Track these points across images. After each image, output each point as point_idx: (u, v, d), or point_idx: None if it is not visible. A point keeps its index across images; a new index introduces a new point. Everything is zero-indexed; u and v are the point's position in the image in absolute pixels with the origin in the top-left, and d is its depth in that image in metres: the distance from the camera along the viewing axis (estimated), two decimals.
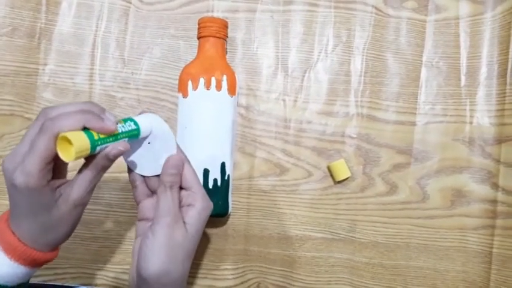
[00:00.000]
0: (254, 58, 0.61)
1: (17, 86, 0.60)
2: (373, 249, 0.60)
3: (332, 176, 0.60)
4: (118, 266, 0.60)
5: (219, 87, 0.53)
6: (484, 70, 0.61)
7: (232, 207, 0.60)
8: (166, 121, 0.59)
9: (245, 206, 0.60)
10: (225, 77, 0.54)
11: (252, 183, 0.60)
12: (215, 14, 0.61)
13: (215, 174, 0.54)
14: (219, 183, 0.54)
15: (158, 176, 0.43)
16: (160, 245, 0.39)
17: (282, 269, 0.60)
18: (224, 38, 0.55)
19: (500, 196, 0.60)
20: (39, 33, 0.60)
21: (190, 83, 0.53)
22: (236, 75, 0.56)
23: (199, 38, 0.55)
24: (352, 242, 0.60)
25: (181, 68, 0.55)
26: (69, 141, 0.34)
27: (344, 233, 0.60)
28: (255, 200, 0.60)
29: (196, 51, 0.56)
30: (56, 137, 0.35)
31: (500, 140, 0.60)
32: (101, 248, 0.60)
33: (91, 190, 0.39)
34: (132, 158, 0.43)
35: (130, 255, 0.59)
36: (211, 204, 0.43)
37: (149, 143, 0.42)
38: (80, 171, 0.39)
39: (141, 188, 0.44)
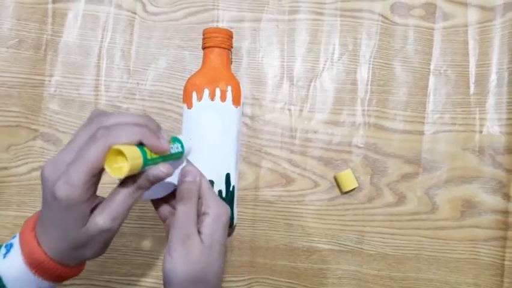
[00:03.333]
0: (259, 67, 0.61)
1: (23, 98, 0.60)
2: (381, 261, 0.59)
3: (338, 186, 0.59)
4: (124, 278, 0.59)
5: (223, 98, 0.53)
6: (493, 78, 0.60)
7: (238, 218, 0.59)
8: (171, 132, 0.59)
9: (251, 217, 0.59)
10: (229, 88, 0.53)
11: (257, 193, 0.59)
12: (220, 24, 0.61)
13: (220, 185, 0.53)
14: (223, 194, 0.53)
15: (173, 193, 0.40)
16: (177, 264, 0.37)
17: (289, 281, 0.59)
18: (229, 48, 0.55)
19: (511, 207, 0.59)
20: (46, 45, 0.61)
21: (194, 94, 0.53)
22: (241, 85, 0.55)
23: (203, 48, 0.55)
24: (360, 253, 0.59)
25: (186, 79, 0.55)
26: (121, 155, 0.31)
27: (352, 245, 0.59)
28: (261, 210, 0.59)
29: (201, 62, 0.56)
30: (109, 149, 0.32)
31: (511, 149, 0.59)
32: (108, 259, 0.59)
33: (122, 215, 0.35)
34: None
35: (136, 266, 0.59)
36: (227, 209, 0.40)
37: None
38: (114, 193, 0.35)
39: (163, 206, 0.42)
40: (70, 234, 0.35)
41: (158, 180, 0.35)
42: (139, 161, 0.32)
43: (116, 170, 0.32)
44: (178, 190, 0.39)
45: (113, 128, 0.32)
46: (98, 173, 0.33)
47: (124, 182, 0.35)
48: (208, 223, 0.39)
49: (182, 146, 0.39)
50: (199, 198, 0.40)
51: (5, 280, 0.35)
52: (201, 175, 0.40)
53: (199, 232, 0.39)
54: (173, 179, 0.39)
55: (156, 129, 0.35)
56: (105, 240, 0.36)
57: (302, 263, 0.59)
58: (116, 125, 0.33)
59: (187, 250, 0.37)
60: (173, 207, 0.41)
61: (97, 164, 0.32)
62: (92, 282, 0.59)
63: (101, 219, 0.34)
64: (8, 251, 0.36)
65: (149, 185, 0.35)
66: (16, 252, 0.36)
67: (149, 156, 0.33)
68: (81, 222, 0.34)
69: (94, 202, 0.35)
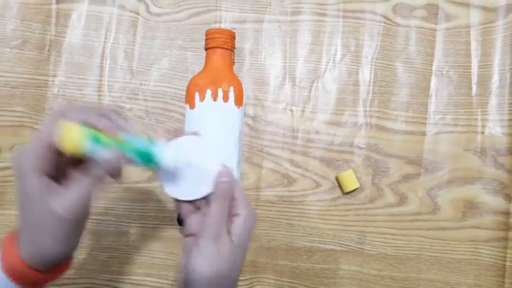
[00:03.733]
0: (262, 68, 0.61)
1: (26, 98, 0.61)
2: (382, 261, 0.59)
3: (340, 186, 0.59)
4: (126, 277, 0.60)
5: (225, 98, 0.53)
6: (495, 79, 0.60)
7: None
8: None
9: None
10: (232, 89, 0.53)
11: (259, 194, 0.60)
12: (223, 25, 0.61)
13: None
14: None
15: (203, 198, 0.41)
16: (208, 261, 0.37)
17: (290, 280, 0.59)
18: (231, 49, 0.55)
19: None
20: (49, 45, 0.61)
21: (197, 94, 0.53)
22: (243, 86, 0.55)
23: (206, 49, 0.55)
24: (361, 253, 0.59)
25: (189, 79, 0.55)
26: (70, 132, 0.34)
27: (353, 245, 0.59)
28: (263, 211, 0.60)
29: (204, 62, 0.56)
30: (57, 122, 0.34)
31: None
32: (110, 258, 0.60)
33: (82, 203, 0.35)
34: (172, 185, 0.41)
35: (138, 266, 0.59)
36: (256, 214, 0.41)
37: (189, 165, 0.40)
38: (70, 183, 0.36)
39: (186, 204, 0.42)
40: (30, 219, 0.35)
41: (106, 163, 0.35)
42: (80, 134, 0.34)
43: (67, 146, 0.34)
44: (215, 190, 0.39)
45: (67, 110, 0.35)
46: (48, 146, 0.35)
47: (81, 171, 0.36)
48: (239, 224, 0.39)
49: (147, 147, 0.37)
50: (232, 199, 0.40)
51: None
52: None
53: (227, 232, 0.39)
54: (206, 188, 0.40)
55: (112, 116, 0.36)
56: (65, 232, 0.36)
57: (304, 263, 0.59)
58: (72, 109, 0.35)
59: (219, 248, 0.38)
60: (197, 208, 0.42)
61: (45, 136, 0.34)
62: (93, 281, 0.60)
63: (54, 204, 0.34)
64: None
65: (100, 170, 0.35)
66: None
67: (97, 137, 0.34)
68: (37, 203, 0.35)
69: (49, 184, 0.35)
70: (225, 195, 0.39)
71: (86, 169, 0.36)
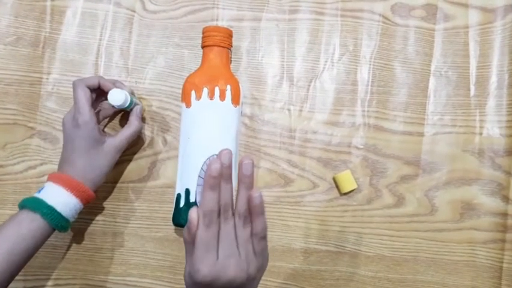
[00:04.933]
0: (259, 67, 0.60)
1: (20, 95, 0.60)
2: (379, 262, 0.59)
3: (337, 187, 0.59)
4: (120, 278, 0.59)
5: (222, 97, 0.53)
6: (494, 80, 0.60)
7: None
8: (169, 131, 0.59)
9: None
10: (228, 87, 0.53)
11: None
12: (220, 23, 0.60)
13: None
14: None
15: None
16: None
17: (286, 282, 0.59)
18: (228, 47, 0.55)
19: (511, 209, 0.58)
20: (44, 42, 0.60)
21: (193, 92, 0.53)
22: (240, 85, 0.55)
23: (203, 47, 0.55)
24: (358, 255, 0.59)
25: (185, 77, 0.55)
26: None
27: (350, 246, 0.59)
28: None
29: (201, 61, 0.55)
30: (85, 85, 0.52)
31: (510, 152, 0.59)
32: (104, 259, 0.59)
33: (127, 142, 0.54)
34: None
35: (132, 266, 0.58)
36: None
37: None
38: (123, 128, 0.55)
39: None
40: (92, 153, 0.51)
41: (138, 112, 0.56)
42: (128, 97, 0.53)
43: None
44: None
45: (83, 79, 0.53)
46: (91, 103, 0.52)
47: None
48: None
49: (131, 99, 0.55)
50: None
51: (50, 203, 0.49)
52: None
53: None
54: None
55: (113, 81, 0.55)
56: (112, 161, 0.53)
57: (300, 265, 0.59)
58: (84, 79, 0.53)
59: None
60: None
61: (87, 95, 0.51)
62: (87, 282, 0.59)
63: (116, 141, 0.53)
64: (41, 189, 0.50)
65: (138, 119, 0.56)
66: (50, 185, 0.50)
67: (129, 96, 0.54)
68: (98, 141, 0.52)
69: (101, 129, 0.54)
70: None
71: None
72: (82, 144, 0.51)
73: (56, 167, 0.59)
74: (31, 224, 0.47)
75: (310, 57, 0.60)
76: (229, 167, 0.39)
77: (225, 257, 0.39)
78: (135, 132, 0.55)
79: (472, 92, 0.60)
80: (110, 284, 0.59)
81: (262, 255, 0.41)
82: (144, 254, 0.59)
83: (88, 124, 0.50)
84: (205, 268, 0.38)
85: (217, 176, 0.38)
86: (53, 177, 0.51)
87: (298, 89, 0.60)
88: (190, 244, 0.39)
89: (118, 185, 0.59)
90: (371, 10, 0.60)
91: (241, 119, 0.58)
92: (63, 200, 0.49)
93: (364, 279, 0.59)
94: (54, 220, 0.48)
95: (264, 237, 0.40)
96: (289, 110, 0.60)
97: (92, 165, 0.52)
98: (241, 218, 0.39)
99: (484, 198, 0.59)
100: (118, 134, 0.54)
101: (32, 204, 0.48)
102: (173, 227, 0.59)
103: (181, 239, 0.59)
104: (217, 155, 0.39)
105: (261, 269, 0.41)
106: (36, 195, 0.49)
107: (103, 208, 0.59)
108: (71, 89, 0.59)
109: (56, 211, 0.48)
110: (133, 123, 0.55)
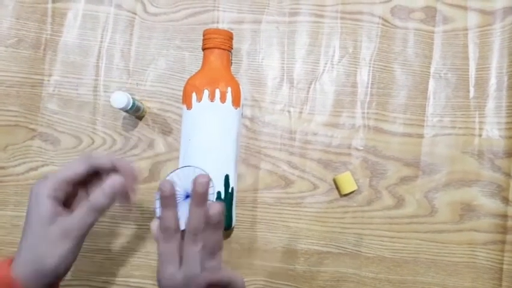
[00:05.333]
0: (259, 69, 0.61)
1: (21, 97, 0.60)
2: (380, 264, 0.59)
3: (337, 188, 0.59)
4: (121, 279, 0.59)
5: (223, 99, 0.53)
6: (493, 82, 0.60)
7: (236, 220, 0.59)
8: (170, 132, 0.59)
9: (249, 219, 0.59)
10: (229, 89, 0.53)
11: (256, 195, 0.59)
12: (220, 25, 0.61)
13: (219, 186, 0.53)
14: (222, 196, 0.53)
15: None
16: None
17: (287, 283, 0.59)
18: (229, 49, 0.55)
19: (510, 210, 0.58)
20: (45, 44, 0.60)
21: (194, 94, 0.53)
22: (241, 87, 0.55)
23: (203, 49, 0.55)
24: (358, 256, 0.59)
25: (186, 79, 0.55)
26: None
27: (350, 247, 0.59)
28: (260, 212, 0.59)
29: (201, 63, 0.55)
30: (87, 166, 0.43)
31: (510, 153, 0.59)
32: (105, 260, 0.59)
33: (81, 228, 0.41)
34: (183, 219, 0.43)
35: (134, 268, 0.59)
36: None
37: (187, 197, 0.43)
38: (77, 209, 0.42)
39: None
40: (34, 239, 0.40)
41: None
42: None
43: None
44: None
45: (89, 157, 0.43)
46: (66, 184, 0.41)
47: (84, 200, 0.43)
48: None
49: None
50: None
51: None
52: None
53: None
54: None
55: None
56: (64, 251, 0.41)
57: (300, 266, 0.59)
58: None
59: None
60: None
61: (68, 173, 0.41)
62: (89, 283, 0.59)
63: (59, 225, 0.40)
64: None
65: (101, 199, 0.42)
66: None
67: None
68: (45, 222, 0.40)
69: (58, 209, 0.41)
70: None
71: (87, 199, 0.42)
72: (29, 229, 0.41)
73: (57, 168, 0.59)
74: None
75: (310, 60, 0.61)
76: (201, 194, 0.40)
77: (186, 272, 0.41)
78: (86, 222, 0.41)
79: (472, 93, 0.60)
80: (112, 286, 0.59)
81: (211, 271, 0.41)
82: (146, 255, 0.59)
83: (40, 197, 0.40)
84: (163, 280, 0.42)
85: (169, 196, 0.41)
86: None
87: (298, 91, 0.60)
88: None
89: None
90: (371, 12, 0.61)
91: (241, 121, 0.59)
92: None
93: (365, 280, 0.59)
94: None
95: (212, 253, 0.41)
96: (289, 111, 0.60)
97: (37, 262, 0.40)
98: (191, 235, 0.41)
99: (483, 199, 0.59)
100: (67, 221, 0.41)
101: None
102: None
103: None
104: (194, 167, 0.42)
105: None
106: None
107: None
108: (73, 91, 0.60)
109: None
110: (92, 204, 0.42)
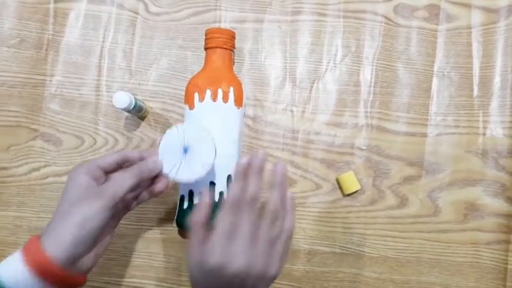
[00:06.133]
0: (262, 69, 0.60)
1: (23, 97, 0.60)
2: (383, 264, 0.59)
3: (340, 188, 0.59)
4: (124, 280, 0.59)
5: (225, 99, 0.53)
6: (497, 80, 0.60)
7: None
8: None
9: None
10: (231, 89, 0.53)
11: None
12: (222, 25, 0.60)
13: (221, 187, 0.53)
14: (225, 196, 0.53)
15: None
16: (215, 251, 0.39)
17: (290, 283, 0.59)
18: (231, 49, 0.55)
19: None
20: (47, 45, 0.60)
21: (196, 94, 0.53)
22: (243, 86, 0.55)
23: (206, 49, 0.55)
24: (361, 256, 0.59)
25: (188, 79, 0.55)
26: None
27: (353, 247, 0.59)
28: None
29: (203, 62, 0.55)
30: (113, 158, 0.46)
31: None
32: (107, 260, 0.59)
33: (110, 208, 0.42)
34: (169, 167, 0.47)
35: (136, 268, 0.58)
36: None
37: (185, 151, 0.47)
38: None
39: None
40: (65, 211, 0.41)
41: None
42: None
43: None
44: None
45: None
46: (100, 169, 0.44)
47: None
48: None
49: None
50: None
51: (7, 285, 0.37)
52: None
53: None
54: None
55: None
56: (90, 227, 0.40)
57: (304, 266, 0.59)
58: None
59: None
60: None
61: (102, 163, 0.44)
62: (92, 284, 0.59)
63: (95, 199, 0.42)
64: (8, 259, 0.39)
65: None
66: (16, 258, 0.38)
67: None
68: (85, 186, 0.42)
69: (93, 184, 0.43)
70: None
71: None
72: (62, 202, 0.42)
73: (59, 168, 0.59)
74: None
75: (313, 59, 0.60)
76: (261, 163, 0.41)
77: (243, 248, 0.38)
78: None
79: (475, 92, 0.60)
80: (114, 286, 0.59)
81: (282, 257, 0.41)
82: (148, 256, 0.59)
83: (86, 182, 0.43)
84: (217, 255, 0.38)
85: (247, 169, 0.40)
86: (28, 251, 0.39)
87: (300, 90, 0.60)
88: (199, 232, 0.40)
89: None
90: (374, 11, 0.60)
91: (244, 121, 0.58)
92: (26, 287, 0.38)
93: (368, 280, 0.59)
94: None
95: (288, 239, 0.41)
96: (292, 111, 0.60)
97: (62, 233, 0.40)
98: (270, 216, 0.40)
99: (487, 199, 0.59)
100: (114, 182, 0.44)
101: None
102: (176, 228, 0.59)
103: (185, 240, 0.59)
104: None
105: (275, 273, 0.41)
106: None
107: None
108: (74, 91, 0.60)
109: None
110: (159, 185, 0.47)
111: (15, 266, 0.38)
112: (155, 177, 0.47)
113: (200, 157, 0.47)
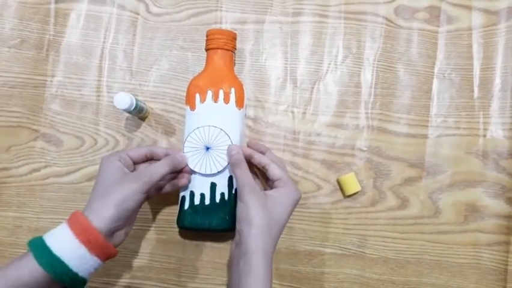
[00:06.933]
0: (262, 70, 0.60)
1: (24, 98, 0.60)
2: (383, 265, 0.59)
3: (341, 189, 0.59)
4: (123, 280, 0.59)
5: (226, 100, 0.53)
6: (497, 82, 0.60)
7: None
8: (173, 133, 0.59)
9: None
10: (233, 90, 0.53)
11: None
12: (223, 26, 0.61)
13: (222, 188, 0.53)
14: (226, 197, 0.53)
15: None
16: (251, 207, 0.47)
17: (291, 284, 0.59)
18: (232, 50, 0.55)
19: None
20: (48, 45, 0.60)
21: (197, 95, 0.53)
22: (244, 87, 0.55)
23: (207, 50, 0.55)
24: (362, 257, 0.59)
25: (189, 80, 0.55)
26: None
27: (354, 249, 0.59)
28: None
29: (204, 63, 0.55)
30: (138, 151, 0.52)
31: None
32: (108, 261, 0.59)
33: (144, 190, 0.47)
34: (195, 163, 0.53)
35: (136, 269, 0.58)
36: (299, 193, 0.51)
37: (207, 149, 0.53)
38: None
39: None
40: (104, 190, 0.46)
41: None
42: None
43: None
44: (230, 162, 0.52)
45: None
46: (129, 158, 0.50)
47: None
48: (282, 192, 0.50)
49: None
50: (277, 180, 0.50)
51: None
52: (250, 151, 0.53)
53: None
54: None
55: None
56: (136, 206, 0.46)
57: (304, 267, 0.59)
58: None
59: (256, 197, 0.47)
60: None
61: (131, 153, 0.50)
62: (92, 284, 0.59)
63: (127, 183, 0.46)
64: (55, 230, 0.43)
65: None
66: (65, 231, 0.42)
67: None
68: (120, 171, 0.47)
69: (124, 170, 0.49)
70: (239, 163, 0.50)
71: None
72: (100, 182, 0.47)
73: (60, 169, 0.59)
74: (34, 273, 0.40)
75: (314, 60, 0.60)
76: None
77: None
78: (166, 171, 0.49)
79: (476, 94, 0.60)
80: (113, 286, 0.59)
81: None
82: (149, 257, 0.59)
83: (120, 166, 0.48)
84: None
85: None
86: (74, 223, 0.42)
87: (301, 91, 0.60)
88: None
89: None
90: (375, 13, 0.61)
91: (245, 122, 0.58)
92: (74, 255, 0.41)
93: (368, 281, 0.59)
94: (65, 279, 0.41)
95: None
96: (292, 112, 0.60)
97: (103, 205, 0.44)
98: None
99: (488, 200, 0.59)
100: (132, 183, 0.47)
101: (37, 253, 0.41)
102: (177, 229, 0.59)
103: (186, 241, 0.59)
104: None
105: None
106: (45, 239, 0.42)
107: None
108: (75, 92, 0.60)
109: (66, 268, 0.41)
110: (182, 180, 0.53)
111: (65, 238, 0.42)
112: (178, 172, 0.53)
113: (220, 154, 0.52)
